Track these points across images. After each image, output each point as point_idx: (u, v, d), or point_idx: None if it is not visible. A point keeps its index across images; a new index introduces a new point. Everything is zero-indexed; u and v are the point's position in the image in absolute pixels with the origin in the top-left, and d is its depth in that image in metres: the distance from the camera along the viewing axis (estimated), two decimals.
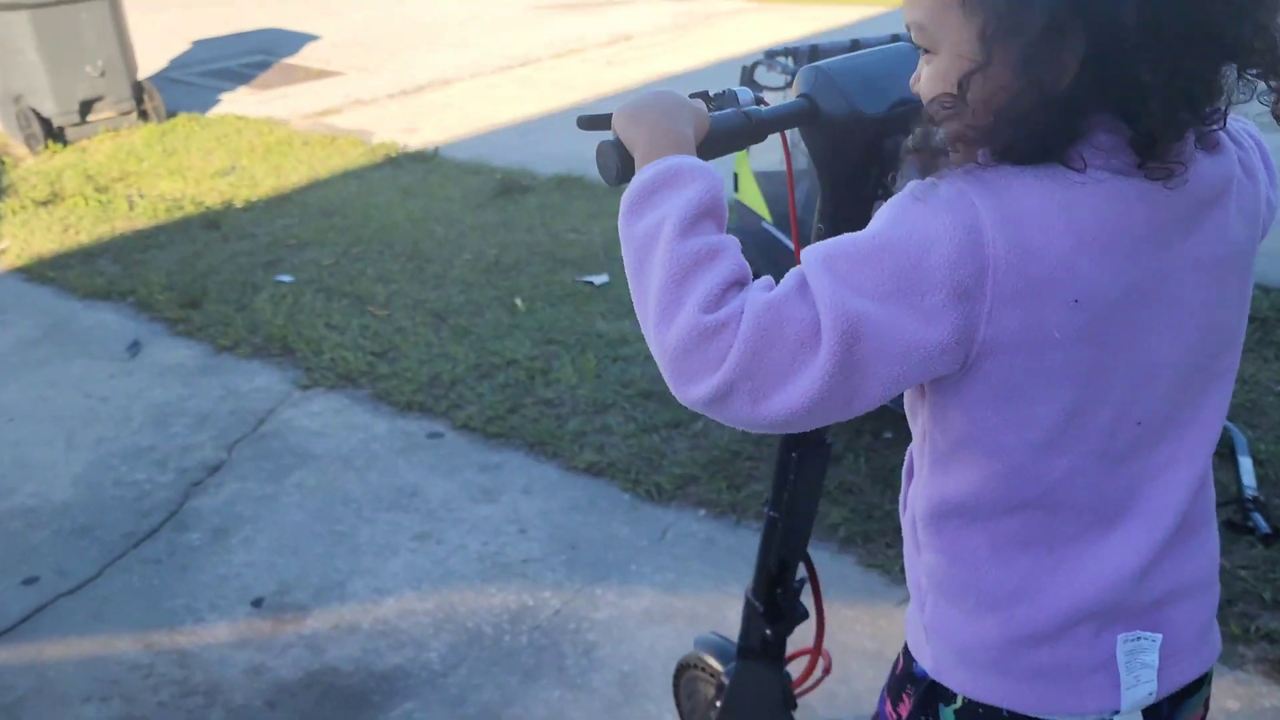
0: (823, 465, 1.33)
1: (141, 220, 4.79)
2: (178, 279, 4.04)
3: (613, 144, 0.96)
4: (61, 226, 4.72)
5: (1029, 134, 0.75)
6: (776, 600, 1.43)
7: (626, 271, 0.88)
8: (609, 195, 4.75)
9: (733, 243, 0.85)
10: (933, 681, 0.96)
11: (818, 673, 1.52)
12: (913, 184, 0.80)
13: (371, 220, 4.55)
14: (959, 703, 0.94)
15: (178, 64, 8.43)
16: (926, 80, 0.83)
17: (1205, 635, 0.94)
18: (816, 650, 1.50)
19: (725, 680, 1.56)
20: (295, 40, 9.19)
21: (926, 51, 0.83)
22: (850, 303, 0.76)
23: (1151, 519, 0.88)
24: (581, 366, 3.18)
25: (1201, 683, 0.95)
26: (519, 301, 3.66)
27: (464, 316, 3.59)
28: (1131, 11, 0.70)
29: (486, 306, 3.66)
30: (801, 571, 1.46)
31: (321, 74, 8.08)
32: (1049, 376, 0.80)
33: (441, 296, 3.76)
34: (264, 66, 8.36)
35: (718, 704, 1.57)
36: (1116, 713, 0.90)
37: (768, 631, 1.45)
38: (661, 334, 0.82)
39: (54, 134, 5.94)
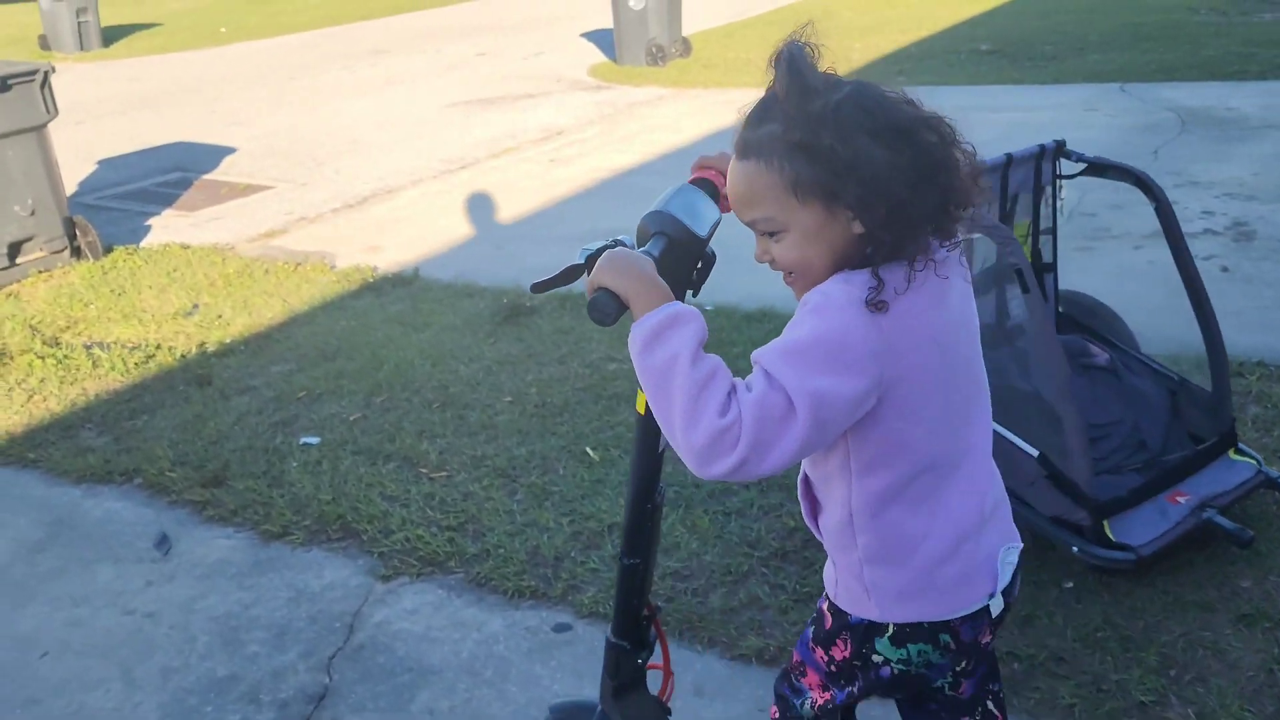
0: (660, 515, 1.66)
1: (114, 378, 4.30)
2: (185, 451, 3.60)
3: (608, 294, 1.27)
4: (23, 393, 4.20)
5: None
6: (641, 634, 1.72)
7: (646, 392, 1.23)
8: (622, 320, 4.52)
9: (720, 361, 1.22)
10: (868, 623, 1.37)
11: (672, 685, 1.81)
12: (808, 296, 1.24)
13: (383, 361, 4.19)
14: (890, 630, 1.36)
15: (88, 188, 7.85)
16: (787, 250, 1.26)
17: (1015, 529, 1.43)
18: (666, 666, 1.78)
19: None
20: (209, 153, 8.70)
21: (771, 234, 1.27)
22: (809, 382, 1.17)
23: (980, 457, 1.37)
24: (696, 526, 2.91)
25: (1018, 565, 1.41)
26: (590, 451, 3.38)
27: (535, 474, 3.28)
28: (894, 200, 1.18)
29: (556, 459, 3.35)
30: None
31: (249, 189, 7.64)
32: (929, 388, 1.25)
33: (500, 450, 3.43)
34: (184, 185, 7.87)
35: None
36: (992, 595, 1.36)
37: (639, 661, 1.72)
38: (689, 436, 1.18)
39: None
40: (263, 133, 9.37)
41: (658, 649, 1.76)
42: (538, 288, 1.47)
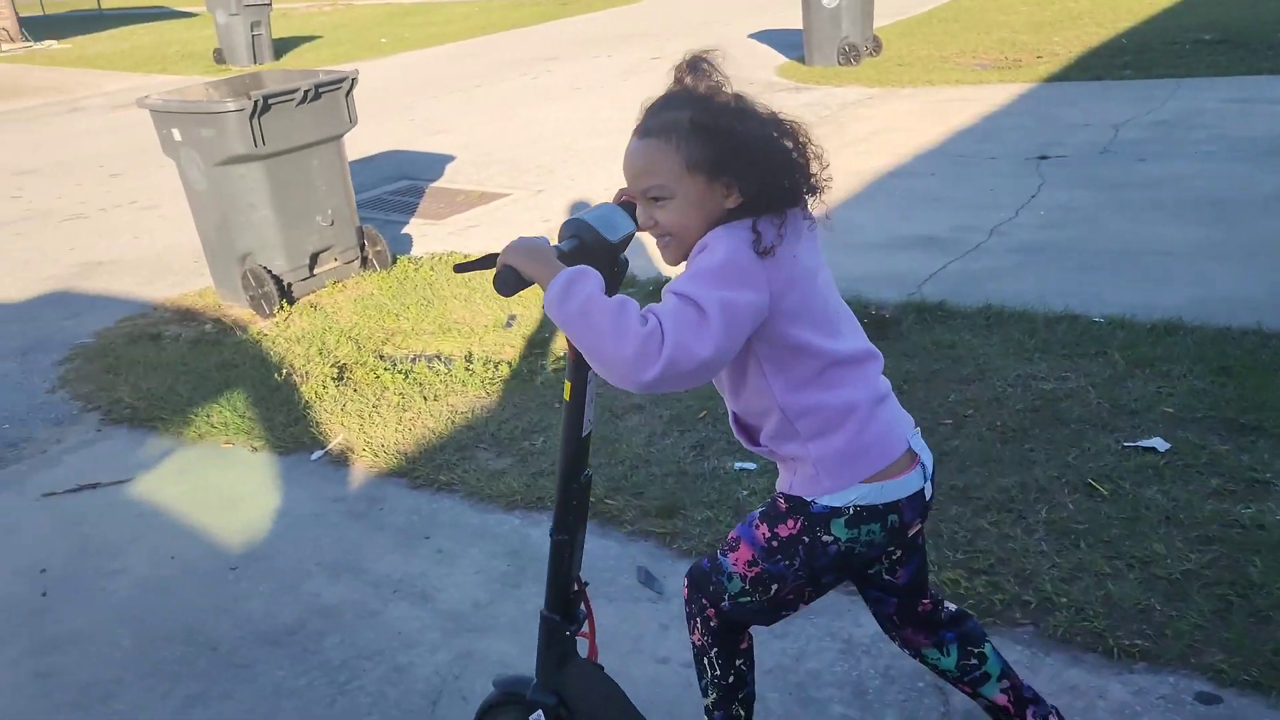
0: (588, 493, 1.85)
1: (476, 394, 4.09)
2: (611, 475, 3.34)
3: (510, 269, 1.56)
4: (391, 410, 4.01)
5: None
6: (571, 607, 1.88)
7: (572, 336, 1.48)
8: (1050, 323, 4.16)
9: (626, 297, 1.48)
10: (830, 509, 1.63)
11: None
12: (701, 242, 1.54)
13: None
14: (849, 513, 1.62)
15: None
16: (670, 214, 1.58)
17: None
18: (592, 636, 1.93)
19: (532, 697, 1.92)
20: (427, 162, 8.59)
21: (658, 200, 1.58)
22: (716, 294, 1.45)
23: (861, 357, 1.66)
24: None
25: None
26: (1094, 483, 3.01)
27: (1043, 508, 2.93)
28: (771, 171, 1.54)
29: (1055, 491, 3.00)
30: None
31: (485, 196, 7.47)
32: (807, 303, 1.57)
33: (977, 479, 3.10)
34: (415, 193, 7.74)
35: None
36: (923, 479, 1.68)
37: (568, 633, 1.89)
38: (620, 350, 1.41)
39: (284, 292, 5.25)
40: (470, 140, 9.24)
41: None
42: (460, 269, 1.71)
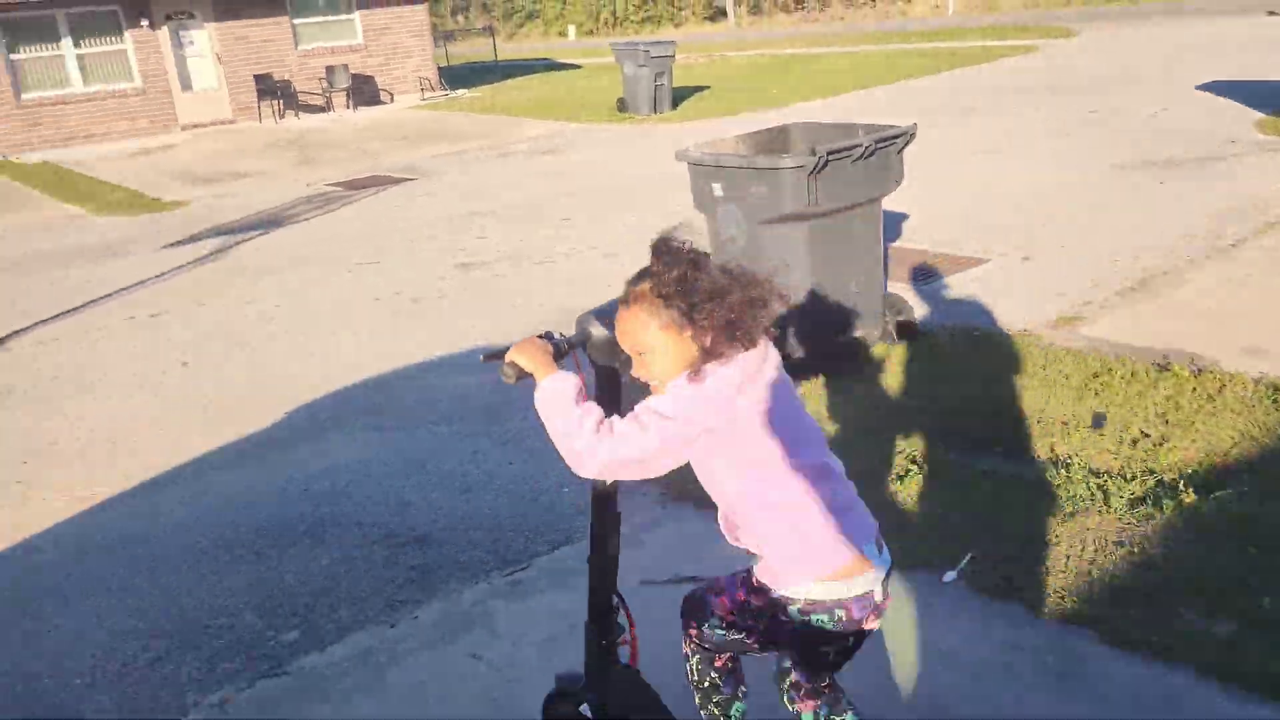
0: (618, 520, 2.19)
1: (1120, 520, 3.38)
2: None
3: (514, 364, 1.98)
4: (1015, 522, 3.39)
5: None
6: (611, 619, 2.23)
7: (554, 428, 1.90)
8: None
9: (594, 404, 1.92)
10: (785, 596, 1.96)
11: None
12: (669, 386, 1.89)
13: None
14: (800, 603, 1.94)
15: None
16: (652, 365, 1.91)
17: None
18: (634, 644, 2.26)
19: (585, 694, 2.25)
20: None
21: (642, 354, 1.92)
22: (660, 419, 1.84)
23: (819, 471, 1.95)
24: None
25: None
26: None
27: None
28: (728, 317, 1.84)
29: None
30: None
31: (963, 261, 6.78)
32: (759, 429, 1.88)
33: None
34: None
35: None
36: (876, 577, 1.95)
37: (605, 642, 2.22)
38: (571, 444, 1.86)
39: (810, 362, 4.81)
40: (915, 196, 8.61)
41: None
42: (487, 358, 2.08)
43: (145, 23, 18.56)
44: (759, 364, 1.89)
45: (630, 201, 9.72)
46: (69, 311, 7.77)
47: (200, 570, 3.79)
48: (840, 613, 1.92)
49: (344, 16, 20.69)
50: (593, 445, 1.84)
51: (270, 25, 19.70)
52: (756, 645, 2.09)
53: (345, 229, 9.71)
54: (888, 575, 1.97)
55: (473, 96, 21.10)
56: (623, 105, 15.87)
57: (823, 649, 2.01)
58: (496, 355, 2.05)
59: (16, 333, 7.30)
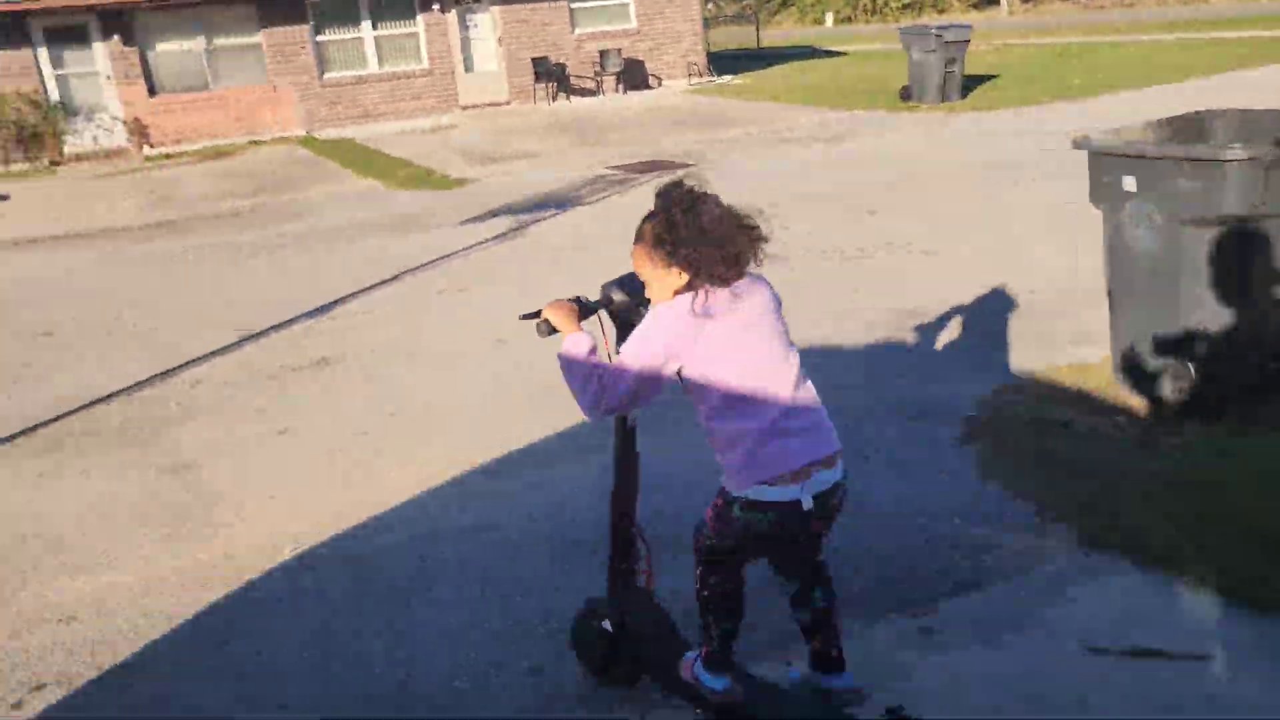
0: (634, 442, 2.69)
1: None
2: None
3: (546, 321, 2.48)
4: None
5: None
6: (630, 546, 2.73)
7: (571, 383, 2.37)
8: None
9: (603, 363, 2.37)
10: (732, 495, 2.33)
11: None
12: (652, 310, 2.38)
13: None
14: (739, 503, 2.32)
15: None
16: (654, 293, 2.36)
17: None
18: (649, 566, 2.77)
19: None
20: None
21: (647, 284, 2.38)
22: (635, 350, 2.30)
23: (780, 399, 2.29)
24: None
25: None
26: None
27: None
28: (695, 263, 2.26)
29: None
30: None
31: None
32: (722, 357, 2.28)
33: None
34: None
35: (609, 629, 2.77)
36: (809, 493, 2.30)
37: (624, 566, 2.75)
38: (581, 399, 2.34)
39: (1225, 397, 4.07)
40: None
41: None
42: (523, 317, 2.60)
43: (437, 6, 19.38)
44: (728, 301, 2.28)
45: (961, 191, 9.07)
46: (384, 282, 7.98)
47: (564, 566, 3.56)
48: (772, 514, 2.31)
49: (620, 1, 20.86)
50: (596, 400, 2.31)
51: (549, 9, 20.11)
52: (731, 544, 2.42)
53: (638, 212, 9.55)
54: (833, 489, 2.34)
55: (740, 83, 20.75)
56: (907, 93, 15.03)
57: (771, 547, 2.50)
58: (532, 315, 2.53)
59: (339, 300, 7.55)
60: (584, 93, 20.26)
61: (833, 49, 28.44)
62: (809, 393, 2.37)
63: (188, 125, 18.05)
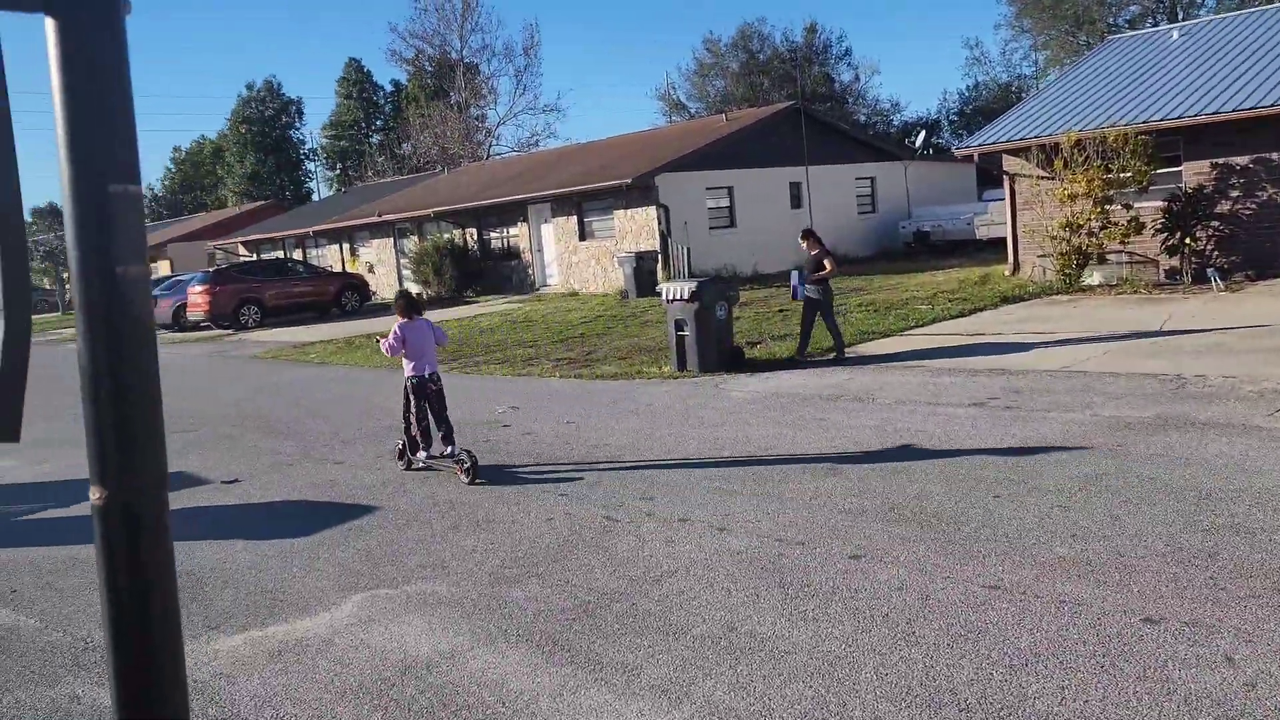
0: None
1: None
2: None
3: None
4: None
5: None
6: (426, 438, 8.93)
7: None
8: None
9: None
10: (407, 378, 8.54)
11: None
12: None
13: None
14: (405, 379, 8.60)
15: None
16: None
17: None
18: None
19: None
20: None
21: None
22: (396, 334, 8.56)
23: (428, 359, 8.47)
24: None
25: None
26: None
27: None
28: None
29: None
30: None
31: None
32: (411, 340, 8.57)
33: None
34: None
35: None
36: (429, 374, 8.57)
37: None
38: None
39: None
40: None
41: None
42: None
43: None
44: (411, 325, 8.14)
45: None
46: None
47: None
48: (414, 380, 8.08)
49: None
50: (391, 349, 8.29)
51: None
52: (412, 402, 8.15)
53: None
54: (436, 374, 8.23)
55: None
56: None
57: (419, 400, 8.14)
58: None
59: None
60: None
61: None
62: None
63: None
